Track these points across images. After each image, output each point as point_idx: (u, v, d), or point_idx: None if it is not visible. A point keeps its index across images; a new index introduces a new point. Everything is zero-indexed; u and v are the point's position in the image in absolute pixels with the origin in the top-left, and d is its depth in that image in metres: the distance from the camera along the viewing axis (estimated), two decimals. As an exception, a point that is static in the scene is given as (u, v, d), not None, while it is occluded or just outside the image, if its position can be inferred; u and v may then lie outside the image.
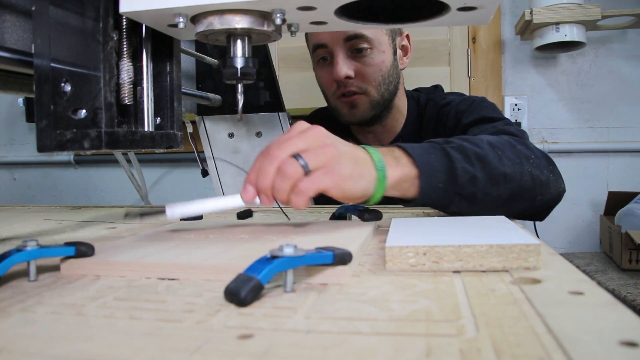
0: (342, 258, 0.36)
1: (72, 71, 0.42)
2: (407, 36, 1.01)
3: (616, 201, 1.43)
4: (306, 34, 0.99)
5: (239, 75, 0.46)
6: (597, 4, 1.37)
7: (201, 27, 0.43)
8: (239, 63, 0.46)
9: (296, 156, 0.47)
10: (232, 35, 0.45)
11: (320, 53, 0.94)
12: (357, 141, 1.04)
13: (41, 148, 0.42)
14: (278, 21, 0.42)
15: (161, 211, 0.50)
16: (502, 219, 0.53)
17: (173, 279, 0.39)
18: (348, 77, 0.91)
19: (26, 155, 1.92)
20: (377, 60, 0.92)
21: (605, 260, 1.38)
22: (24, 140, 1.93)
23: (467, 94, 1.03)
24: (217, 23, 0.42)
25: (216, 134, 0.98)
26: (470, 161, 0.59)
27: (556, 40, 1.41)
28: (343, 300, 0.33)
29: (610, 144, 1.57)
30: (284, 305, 0.32)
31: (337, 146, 0.50)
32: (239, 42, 0.45)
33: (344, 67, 0.90)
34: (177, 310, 0.32)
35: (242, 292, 0.32)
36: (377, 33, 0.91)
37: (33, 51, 0.42)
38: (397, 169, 0.56)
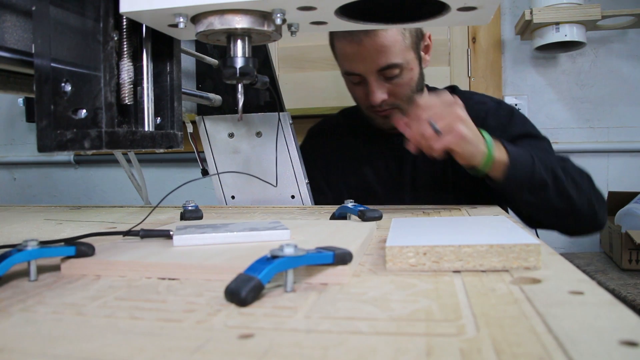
0: (342, 258, 0.36)
1: (73, 71, 0.42)
2: (429, 36, 1.05)
3: (616, 201, 1.43)
4: (333, 50, 1.02)
5: (238, 75, 0.46)
6: (597, 4, 1.37)
7: (201, 27, 0.43)
8: (239, 63, 0.46)
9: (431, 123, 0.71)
10: (232, 35, 0.45)
11: (353, 79, 0.98)
12: (381, 135, 1.08)
13: (41, 148, 0.42)
14: (278, 21, 0.42)
15: (164, 233, 0.50)
16: (502, 219, 0.53)
17: (173, 279, 0.39)
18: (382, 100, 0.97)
19: (26, 155, 1.92)
20: (407, 79, 0.97)
21: (605, 260, 1.38)
22: (24, 140, 1.93)
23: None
24: (217, 23, 0.42)
25: (216, 134, 0.98)
26: (547, 172, 0.78)
27: (556, 40, 1.41)
28: (343, 300, 0.33)
29: (610, 144, 1.57)
30: (285, 305, 0.32)
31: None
32: (239, 42, 0.45)
33: (379, 93, 0.95)
34: (177, 310, 0.32)
35: (243, 291, 0.32)
36: (405, 55, 0.95)
37: (33, 51, 0.43)
38: (497, 151, 0.75)
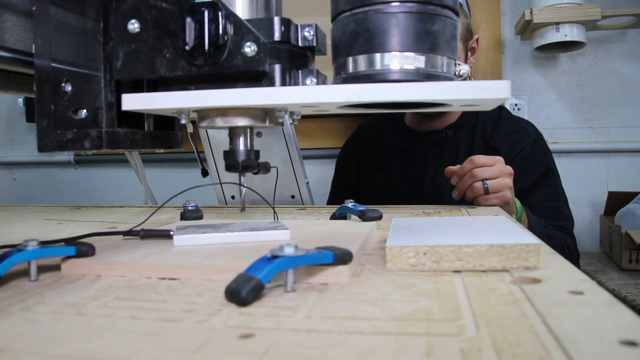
0: (342, 258, 0.37)
1: (73, 71, 0.42)
2: (477, 39, 1.15)
3: (616, 201, 1.43)
4: None
5: (240, 169, 0.46)
6: (597, 4, 1.37)
7: (204, 123, 0.44)
8: (241, 156, 0.46)
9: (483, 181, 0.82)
10: (233, 129, 0.46)
11: None
12: (410, 131, 1.19)
13: (42, 148, 0.42)
14: (280, 120, 0.43)
15: (164, 233, 0.50)
16: (502, 219, 0.53)
17: (174, 279, 0.39)
18: None
19: (26, 155, 1.92)
20: None
21: (605, 260, 1.38)
22: (24, 140, 1.93)
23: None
24: (219, 121, 0.43)
25: (216, 134, 0.98)
26: (549, 241, 0.91)
27: (556, 40, 1.41)
28: (343, 300, 0.33)
29: (610, 144, 1.57)
30: (285, 305, 0.32)
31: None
32: (241, 138, 0.46)
33: None
34: (178, 310, 0.32)
35: (243, 291, 0.32)
36: None
37: (34, 51, 0.42)
38: (522, 220, 0.90)
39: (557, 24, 1.40)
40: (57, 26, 0.42)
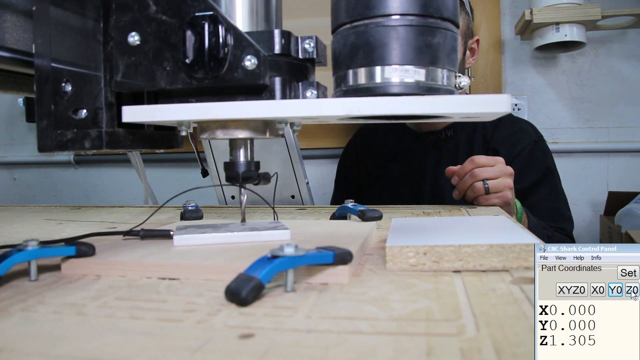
0: (342, 258, 0.37)
1: (73, 71, 0.42)
2: (477, 40, 1.15)
3: (616, 201, 1.43)
4: None
5: (240, 180, 0.46)
6: (597, 4, 1.37)
7: (204, 135, 0.44)
8: (241, 168, 0.46)
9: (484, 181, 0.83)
10: (234, 140, 0.46)
11: None
12: (410, 132, 1.19)
13: (42, 148, 0.42)
14: (281, 132, 0.43)
15: (165, 233, 0.50)
16: (502, 219, 0.53)
17: (174, 279, 0.39)
18: None
19: (26, 155, 1.92)
20: None
21: (605, 260, 1.38)
22: (24, 140, 1.93)
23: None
24: (219, 133, 0.43)
25: (216, 134, 0.98)
26: (549, 242, 0.87)
27: (556, 40, 1.41)
28: (344, 300, 0.33)
29: (610, 144, 1.57)
30: (285, 305, 0.32)
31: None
32: (241, 150, 0.46)
33: None
34: (178, 310, 0.32)
35: (243, 291, 0.32)
36: None
37: (34, 51, 0.42)
38: (522, 220, 0.90)
39: (557, 24, 1.40)
40: (57, 26, 0.42)
